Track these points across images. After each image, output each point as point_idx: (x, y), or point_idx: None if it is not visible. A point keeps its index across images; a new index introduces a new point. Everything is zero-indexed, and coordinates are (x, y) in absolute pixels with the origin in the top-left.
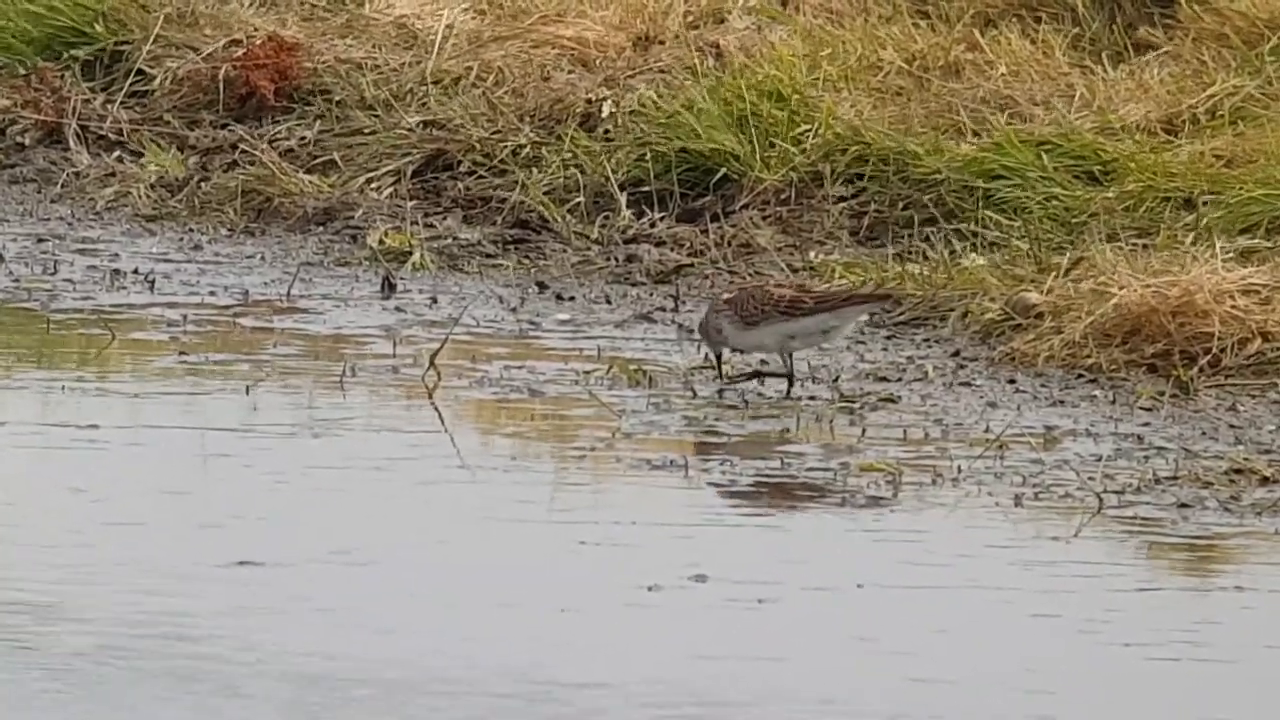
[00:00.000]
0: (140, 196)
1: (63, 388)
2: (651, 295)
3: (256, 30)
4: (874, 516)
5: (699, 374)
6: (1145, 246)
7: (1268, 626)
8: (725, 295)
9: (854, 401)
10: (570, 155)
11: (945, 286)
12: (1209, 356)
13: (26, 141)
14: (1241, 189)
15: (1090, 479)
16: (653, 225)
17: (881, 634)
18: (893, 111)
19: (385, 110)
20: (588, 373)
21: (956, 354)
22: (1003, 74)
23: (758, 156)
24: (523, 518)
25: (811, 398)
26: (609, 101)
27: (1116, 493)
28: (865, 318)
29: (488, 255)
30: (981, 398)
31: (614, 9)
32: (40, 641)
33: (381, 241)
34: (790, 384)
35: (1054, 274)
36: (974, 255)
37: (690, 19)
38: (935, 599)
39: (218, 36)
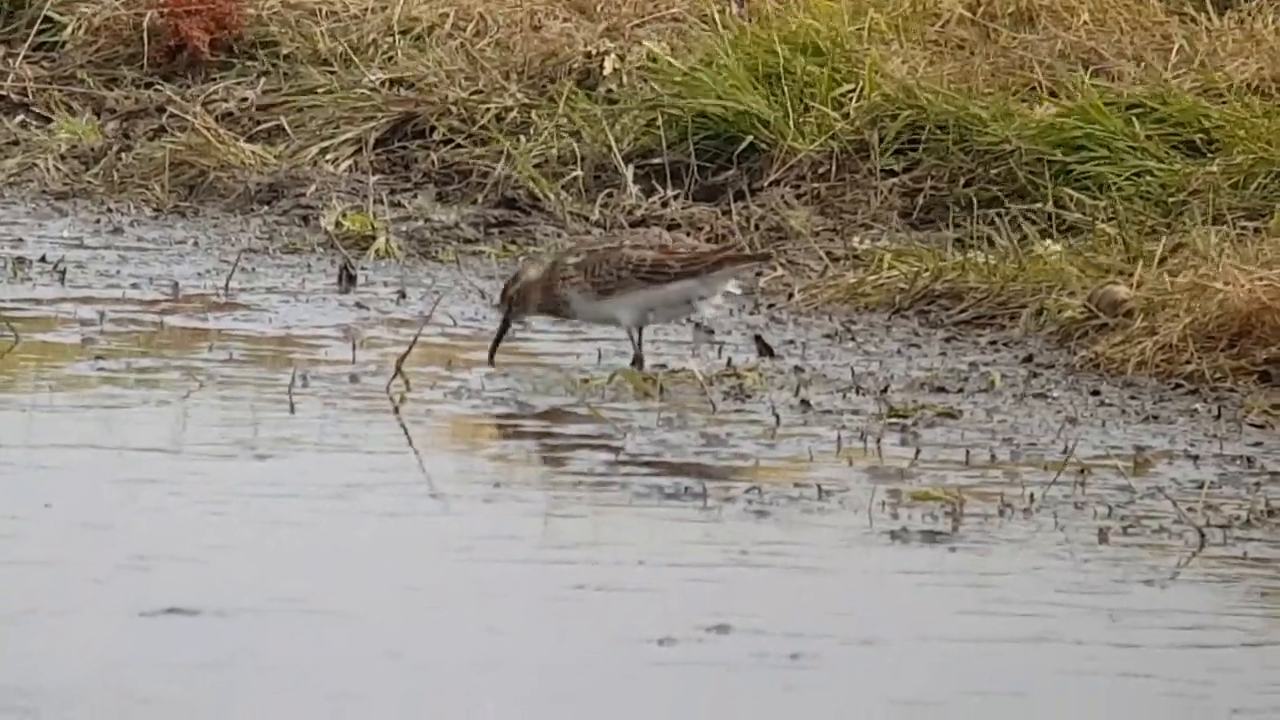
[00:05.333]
0: (48, 170)
1: None
2: None
3: None
4: (930, 556)
5: (721, 382)
6: (1256, 231)
7: None
8: (570, 258)
9: (906, 416)
10: (566, 120)
11: (1015, 279)
12: None
13: None
14: None
15: (1190, 510)
16: (664, 205)
17: (938, 697)
18: (953, 68)
19: (343, 66)
20: (586, 382)
21: (1029, 359)
22: (1085, 23)
23: (790, 122)
24: (508, 557)
25: (855, 411)
26: (612, 56)
27: (1221, 527)
28: (734, 286)
29: (466, 240)
30: (1059, 412)
31: None
32: None
33: (339, 224)
34: (640, 366)
35: (1146, 264)
36: (1049, 242)
37: None
38: (1003, 655)
39: None
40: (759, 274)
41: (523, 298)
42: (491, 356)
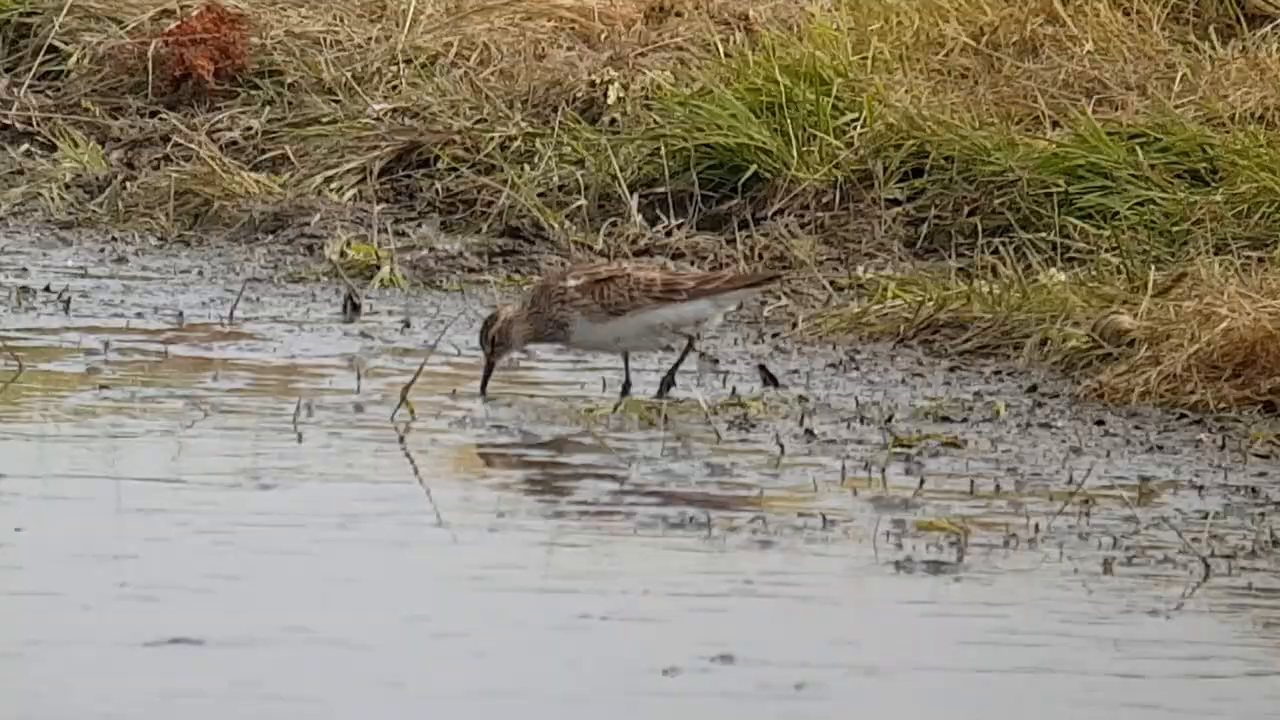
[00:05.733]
0: (53, 199)
1: None
2: None
3: None
4: (934, 586)
5: (726, 412)
6: (1260, 260)
7: None
8: (570, 281)
9: (910, 446)
10: (569, 149)
11: (1019, 308)
12: None
13: None
14: None
15: (1195, 541)
16: (669, 234)
17: None
18: (956, 98)
19: (348, 95)
20: (590, 411)
21: (1033, 389)
22: (1089, 52)
23: (794, 152)
24: (513, 587)
25: (859, 441)
26: (616, 85)
27: (1226, 557)
28: (734, 307)
29: (470, 269)
30: (1063, 442)
31: None
32: None
33: (343, 253)
34: (627, 389)
35: (1150, 293)
36: (1054, 271)
37: None
38: (1007, 686)
39: (146, 5)
40: (763, 303)
41: (505, 335)
42: (483, 391)
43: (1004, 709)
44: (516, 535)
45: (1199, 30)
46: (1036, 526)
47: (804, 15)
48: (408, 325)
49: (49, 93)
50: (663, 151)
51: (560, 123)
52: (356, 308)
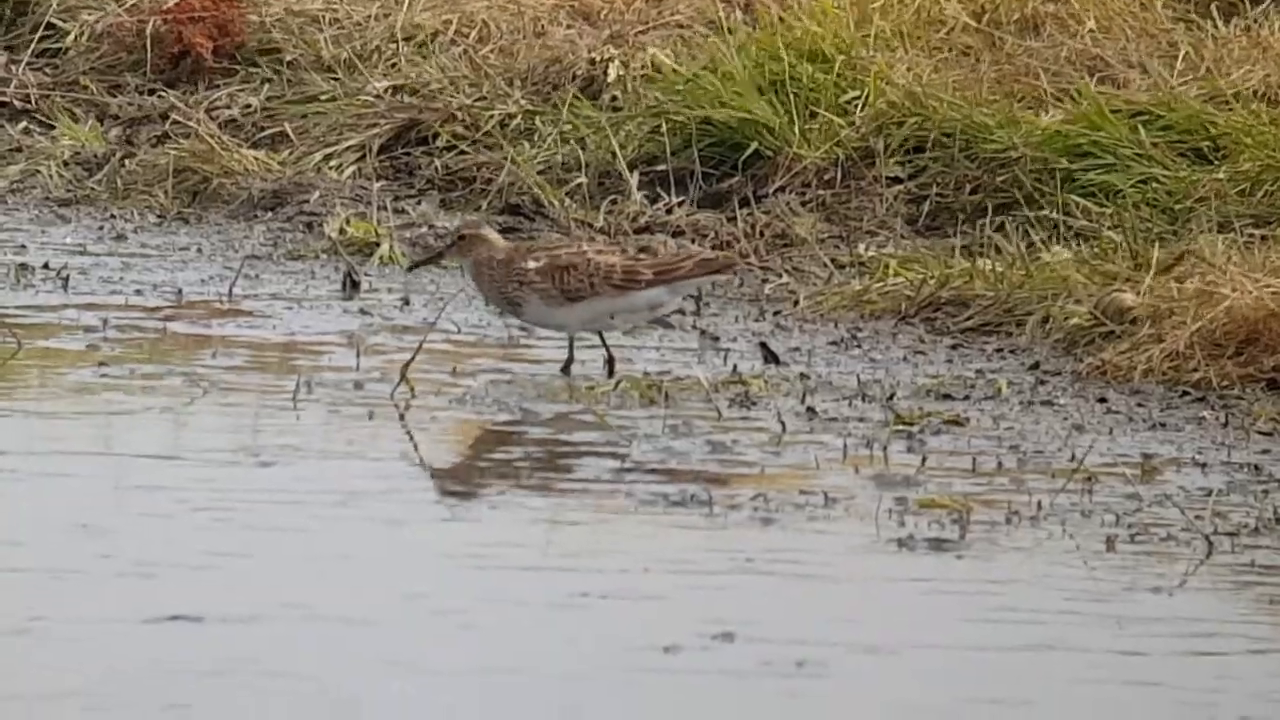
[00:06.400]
0: (52, 176)
1: None
2: None
3: None
4: (936, 564)
5: (727, 389)
6: (1263, 238)
7: None
8: (531, 263)
9: (912, 424)
10: (570, 127)
11: (1022, 286)
12: None
13: None
14: None
15: (1197, 518)
16: (669, 211)
17: (945, 705)
18: (958, 75)
19: (347, 73)
20: (591, 388)
21: (1035, 367)
22: (1090, 30)
23: (796, 129)
24: (514, 564)
25: (861, 419)
26: (616, 62)
27: (1229, 534)
28: (695, 292)
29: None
30: (1065, 419)
31: None
32: None
33: (342, 230)
34: (569, 365)
35: (1153, 271)
36: (1057, 248)
37: None
38: (1010, 663)
39: None
40: (764, 281)
41: (469, 250)
42: (410, 269)
43: (1005, 686)
44: (516, 513)
45: (1201, 8)
46: (1039, 504)
47: None
48: (407, 302)
49: (47, 70)
50: (663, 129)
51: (560, 100)
52: (356, 285)
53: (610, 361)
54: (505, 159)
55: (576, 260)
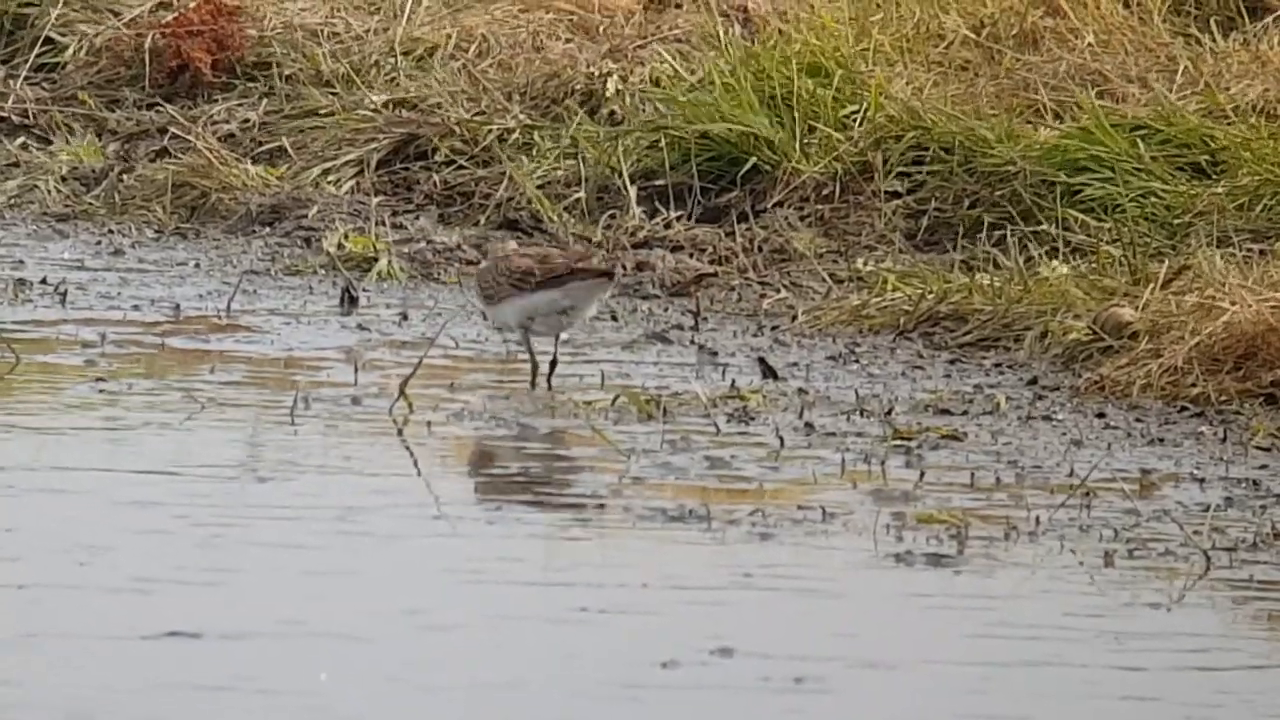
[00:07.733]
0: (50, 191)
1: None
2: (666, 310)
3: None
4: (935, 579)
5: (725, 404)
6: (1261, 252)
7: None
8: (483, 263)
9: (910, 439)
10: (569, 141)
11: (1020, 301)
12: None
13: None
14: None
15: (1196, 533)
16: (668, 226)
17: None
18: (957, 90)
19: (345, 87)
20: (589, 403)
21: (1034, 382)
22: (1089, 44)
23: (795, 144)
24: (512, 579)
25: (859, 434)
26: (615, 77)
27: (1227, 550)
28: (606, 295)
29: (469, 262)
30: (1064, 435)
31: None
32: None
33: (341, 245)
34: (534, 375)
35: (1152, 286)
36: (1055, 263)
37: None
38: (1008, 679)
39: None
40: (762, 296)
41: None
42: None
43: (1004, 702)
44: (515, 528)
45: (1200, 22)
46: (1037, 519)
47: (804, 6)
48: (405, 318)
49: (45, 85)
50: (662, 143)
51: (559, 115)
52: (354, 300)
53: (553, 364)
54: (504, 174)
55: (500, 260)
